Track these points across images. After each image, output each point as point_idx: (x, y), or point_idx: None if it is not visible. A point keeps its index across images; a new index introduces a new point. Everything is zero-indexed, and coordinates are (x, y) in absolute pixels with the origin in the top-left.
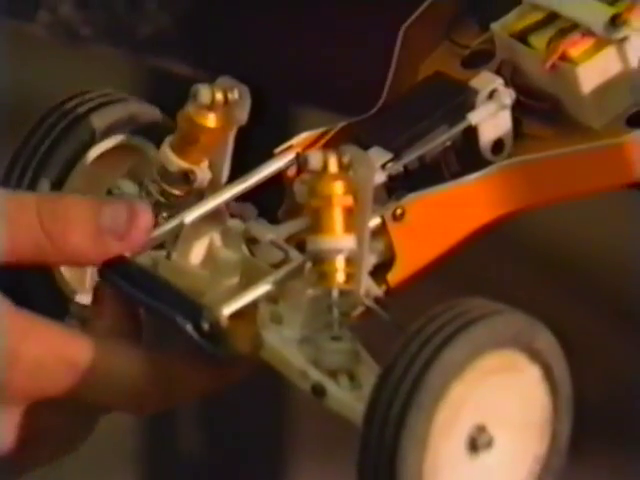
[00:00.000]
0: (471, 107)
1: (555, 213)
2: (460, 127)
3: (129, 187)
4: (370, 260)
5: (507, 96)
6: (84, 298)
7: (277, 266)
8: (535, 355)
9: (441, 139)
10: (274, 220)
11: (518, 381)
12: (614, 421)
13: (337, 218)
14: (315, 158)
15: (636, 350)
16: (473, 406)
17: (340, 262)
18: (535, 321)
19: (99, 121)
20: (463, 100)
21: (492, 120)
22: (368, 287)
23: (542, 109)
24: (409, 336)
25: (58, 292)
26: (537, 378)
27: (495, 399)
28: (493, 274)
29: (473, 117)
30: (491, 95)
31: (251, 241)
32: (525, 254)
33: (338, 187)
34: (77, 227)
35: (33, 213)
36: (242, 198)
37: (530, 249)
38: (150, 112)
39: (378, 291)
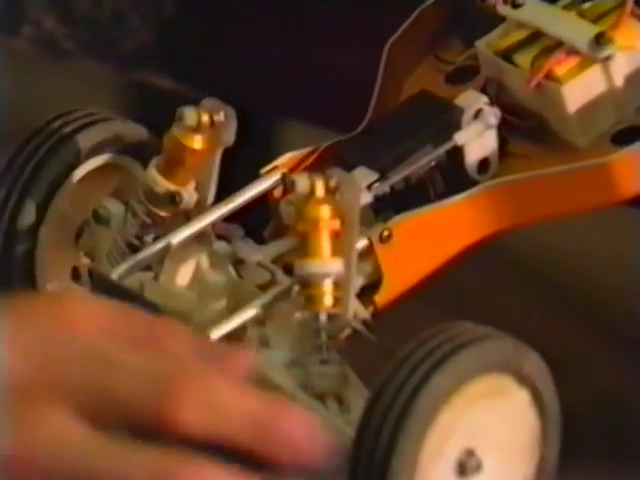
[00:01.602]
0: (457, 126)
1: (542, 230)
2: (446, 147)
3: (115, 207)
4: (358, 282)
5: (493, 116)
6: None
7: (264, 287)
8: (524, 379)
9: (427, 159)
10: (260, 240)
11: (507, 405)
12: (600, 434)
13: (324, 242)
14: (302, 182)
15: (619, 363)
16: (462, 430)
17: (328, 286)
18: (523, 345)
19: (84, 142)
20: (448, 119)
21: (478, 140)
22: (356, 309)
23: (527, 127)
24: (398, 361)
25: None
26: (525, 402)
27: (484, 423)
28: (481, 293)
29: (459, 137)
30: (477, 115)
31: (238, 262)
32: (512, 271)
33: (325, 211)
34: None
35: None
36: (229, 219)
37: (517, 266)
38: (135, 131)
39: (366, 313)
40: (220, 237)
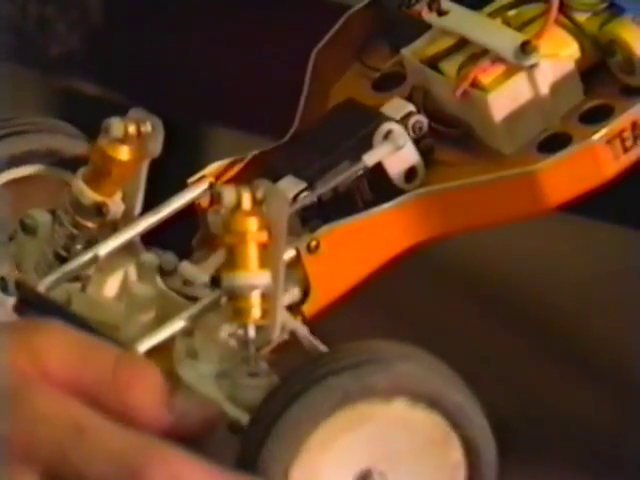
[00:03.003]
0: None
1: (479, 238)
2: (356, 168)
3: (42, 216)
4: (286, 298)
5: (402, 137)
6: None
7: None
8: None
9: (352, 170)
10: (188, 249)
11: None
12: (533, 443)
13: (252, 254)
14: (228, 194)
15: (554, 371)
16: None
17: (256, 298)
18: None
19: (5, 151)
20: (374, 128)
21: (395, 156)
22: (284, 321)
23: (454, 135)
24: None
25: None
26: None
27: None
28: (418, 300)
29: (368, 159)
30: (387, 136)
31: (186, 283)
32: (451, 280)
33: (252, 223)
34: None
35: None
36: (157, 228)
37: (457, 275)
38: (73, 146)
39: (294, 324)
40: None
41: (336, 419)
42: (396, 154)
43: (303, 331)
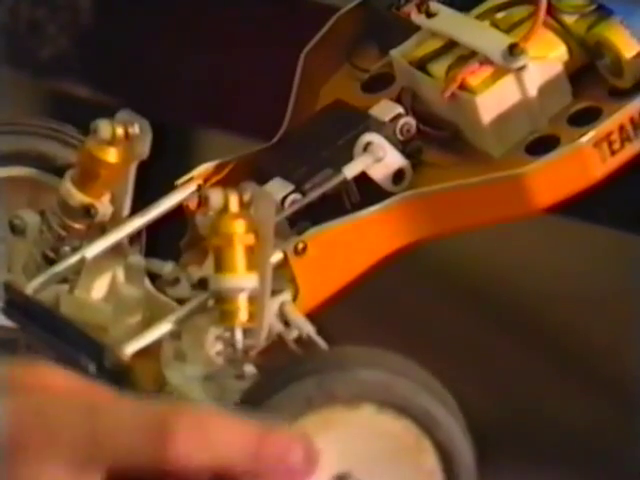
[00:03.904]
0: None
1: (470, 238)
2: (335, 181)
3: (31, 217)
4: (273, 303)
5: (381, 149)
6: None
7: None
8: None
9: (335, 178)
10: (177, 251)
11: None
12: (517, 440)
13: (239, 257)
14: (216, 197)
15: (546, 372)
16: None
17: (243, 301)
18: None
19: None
20: (363, 130)
21: (377, 165)
22: (271, 323)
23: (442, 137)
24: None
25: None
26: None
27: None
28: (405, 300)
29: (348, 171)
30: (366, 148)
31: (175, 281)
32: (439, 280)
33: (239, 226)
34: None
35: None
36: (146, 230)
37: (445, 275)
38: (50, 143)
39: (281, 327)
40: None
41: (301, 424)
42: (378, 164)
43: (308, 328)
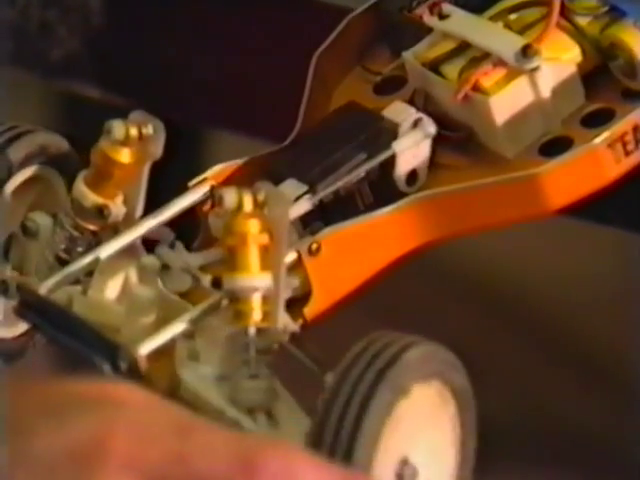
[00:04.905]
0: (385, 138)
1: (479, 240)
2: (383, 156)
3: (43, 219)
4: (286, 296)
5: (431, 125)
6: (3, 331)
7: (187, 294)
8: (446, 381)
9: (358, 171)
10: (189, 252)
11: (434, 409)
12: (517, 440)
13: (253, 257)
14: (230, 196)
15: (545, 371)
16: (398, 441)
17: (257, 300)
18: (441, 347)
19: (13, 155)
20: (377, 131)
21: (412, 150)
22: (285, 323)
23: (455, 139)
24: (335, 384)
25: None
26: (448, 400)
27: (416, 430)
28: (414, 303)
29: (397, 145)
30: (416, 124)
31: (164, 267)
32: (448, 281)
33: (253, 226)
34: None
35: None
36: None
37: (453, 276)
38: (57, 143)
39: (295, 327)
40: (149, 248)
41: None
42: (412, 150)
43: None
